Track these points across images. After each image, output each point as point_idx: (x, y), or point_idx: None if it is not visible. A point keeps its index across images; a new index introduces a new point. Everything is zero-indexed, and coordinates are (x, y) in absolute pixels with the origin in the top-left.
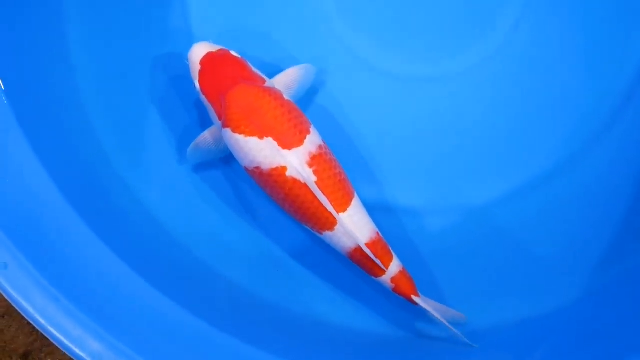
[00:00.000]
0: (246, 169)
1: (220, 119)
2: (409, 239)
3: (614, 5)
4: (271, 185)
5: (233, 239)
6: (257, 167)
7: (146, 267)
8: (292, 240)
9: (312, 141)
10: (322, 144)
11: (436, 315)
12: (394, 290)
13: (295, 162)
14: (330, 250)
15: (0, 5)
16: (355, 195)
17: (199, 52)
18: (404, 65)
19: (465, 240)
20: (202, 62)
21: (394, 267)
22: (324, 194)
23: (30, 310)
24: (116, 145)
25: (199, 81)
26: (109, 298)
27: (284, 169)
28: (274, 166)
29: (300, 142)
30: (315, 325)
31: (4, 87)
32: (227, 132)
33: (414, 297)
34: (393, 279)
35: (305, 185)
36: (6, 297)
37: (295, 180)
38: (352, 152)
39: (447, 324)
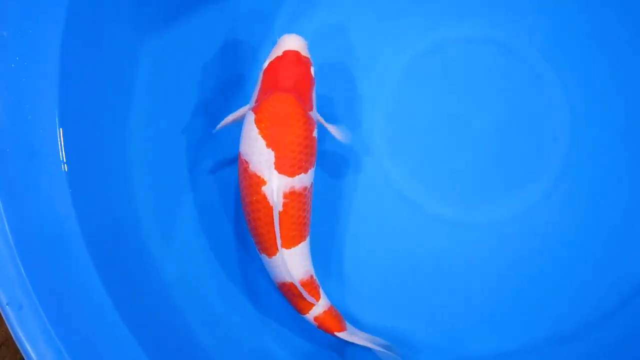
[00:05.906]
0: (240, 154)
1: (256, 100)
2: None
3: None
4: (246, 185)
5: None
6: (247, 162)
7: (157, 348)
8: None
9: (302, 180)
10: (309, 187)
11: (363, 343)
12: (319, 327)
13: (275, 186)
14: None
15: None
16: (306, 241)
17: (292, 44)
18: (434, 205)
19: None
20: (285, 52)
21: (319, 308)
22: (280, 226)
23: (32, 354)
24: (151, 219)
25: (270, 63)
26: None
27: (264, 182)
28: (258, 174)
29: (292, 174)
30: None
31: (64, 143)
32: (250, 115)
33: (337, 334)
34: (316, 318)
35: (270, 208)
36: (13, 337)
37: (265, 198)
38: (369, 279)
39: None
